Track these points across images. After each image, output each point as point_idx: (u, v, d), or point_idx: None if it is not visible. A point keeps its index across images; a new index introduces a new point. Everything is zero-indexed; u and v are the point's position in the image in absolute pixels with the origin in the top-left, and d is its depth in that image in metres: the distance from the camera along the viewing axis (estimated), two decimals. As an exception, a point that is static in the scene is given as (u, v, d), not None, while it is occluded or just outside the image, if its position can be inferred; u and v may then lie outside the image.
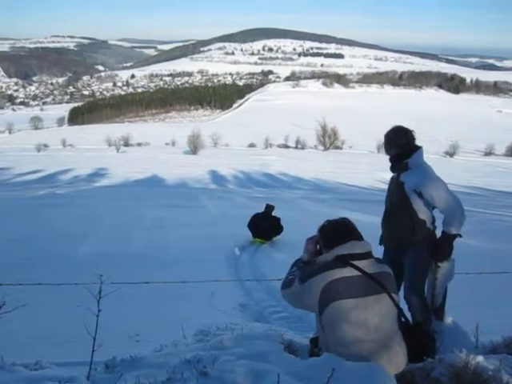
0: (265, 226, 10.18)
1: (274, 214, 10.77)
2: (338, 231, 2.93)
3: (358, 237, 2.91)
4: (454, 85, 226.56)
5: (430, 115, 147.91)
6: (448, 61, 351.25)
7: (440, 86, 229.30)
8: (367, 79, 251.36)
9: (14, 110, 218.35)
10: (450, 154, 79.61)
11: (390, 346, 2.81)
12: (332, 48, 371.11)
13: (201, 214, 15.37)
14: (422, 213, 3.81)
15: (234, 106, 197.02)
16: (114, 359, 3.04)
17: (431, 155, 59.08)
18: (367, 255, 2.86)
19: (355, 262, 2.78)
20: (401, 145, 3.88)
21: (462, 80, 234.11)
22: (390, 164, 4.01)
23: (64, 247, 9.16)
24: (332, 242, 2.90)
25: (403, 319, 3.04)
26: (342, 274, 2.75)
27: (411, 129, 4.00)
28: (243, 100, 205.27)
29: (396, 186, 3.92)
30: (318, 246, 3.08)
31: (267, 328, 3.61)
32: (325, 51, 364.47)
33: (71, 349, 3.90)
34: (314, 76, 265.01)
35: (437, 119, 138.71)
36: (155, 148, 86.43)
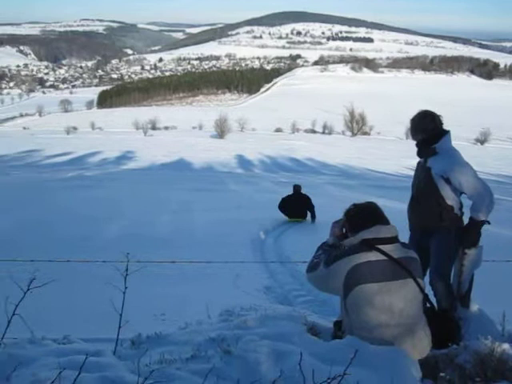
0: (297, 205, 10.67)
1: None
2: (364, 215, 2.91)
3: (384, 221, 2.89)
4: (486, 70, 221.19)
5: (461, 101, 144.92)
6: (481, 45, 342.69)
7: (472, 72, 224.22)
8: (397, 64, 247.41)
9: (44, 92, 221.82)
10: (481, 141, 77.80)
11: (414, 331, 2.80)
12: (362, 32, 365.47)
13: (227, 197, 15.43)
14: (450, 198, 3.75)
15: (262, 90, 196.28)
16: (139, 336, 3.10)
17: (461, 142, 58.02)
18: (393, 240, 2.83)
19: (381, 247, 2.76)
20: (428, 130, 3.79)
21: (496, 65, 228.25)
22: (416, 149, 3.95)
23: (92, 228, 9.33)
24: (358, 226, 2.88)
25: (428, 305, 3.02)
26: (367, 257, 2.74)
27: (439, 113, 3.91)
28: (270, 84, 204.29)
29: (423, 171, 3.86)
30: (343, 230, 3.07)
31: (291, 310, 3.63)
32: (354, 35, 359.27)
33: (98, 325, 3.99)
34: (342, 60, 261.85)
35: (468, 105, 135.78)
36: (182, 132, 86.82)
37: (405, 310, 2.74)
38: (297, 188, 11.34)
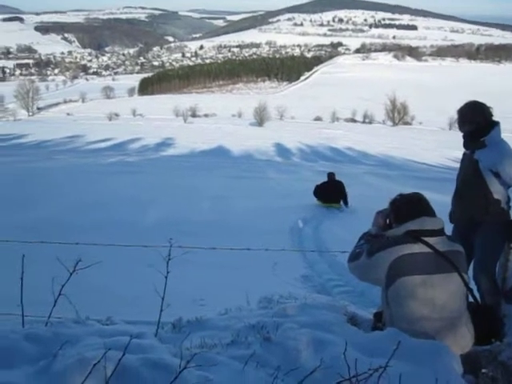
0: (332, 191, 11.23)
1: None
2: (410, 206, 2.85)
3: (430, 213, 2.83)
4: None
5: (508, 92, 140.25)
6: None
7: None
8: (441, 52, 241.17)
9: (87, 79, 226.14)
10: (529, 132, 75.35)
11: (456, 325, 2.75)
12: (405, 19, 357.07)
13: (265, 185, 15.46)
14: (497, 192, 3.64)
15: (302, 78, 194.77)
16: (180, 320, 3.14)
17: (509, 134, 56.26)
18: (439, 232, 2.77)
19: (426, 239, 2.71)
20: (476, 121, 3.67)
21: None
22: (463, 140, 3.84)
23: (134, 212, 9.53)
24: (403, 217, 2.83)
25: (472, 300, 2.95)
26: (411, 249, 2.69)
27: (488, 105, 3.78)
28: (311, 72, 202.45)
29: (470, 164, 3.75)
30: (387, 221, 3.01)
31: (330, 299, 3.62)
32: (397, 22, 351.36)
33: (139, 307, 4.08)
34: (385, 48, 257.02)
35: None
36: (222, 119, 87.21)
37: (448, 303, 2.69)
38: (331, 175, 11.87)
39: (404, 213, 2.84)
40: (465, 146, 3.83)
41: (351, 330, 2.88)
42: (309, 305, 3.18)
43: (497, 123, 3.71)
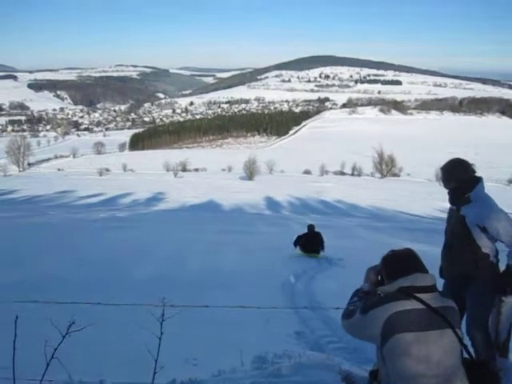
0: (312, 242, 11.94)
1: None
2: (401, 262, 2.88)
3: (422, 269, 2.85)
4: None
5: (491, 142, 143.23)
6: (511, 86, 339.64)
7: (503, 113, 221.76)
8: (426, 106, 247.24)
9: (78, 135, 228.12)
10: (514, 183, 76.64)
11: (452, 381, 2.73)
12: (389, 75, 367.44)
13: (256, 239, 15.45)
14: (486, 247, 3.70)
15: (291, 132, 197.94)
16: (173, 382, 3.11)
17: (492, 183, 57.17)
18: (431, 288, 2.79)
19: (419, 295, 2.73)
20: (461, 179, 3.76)
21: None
22: (448, 196, 3.92)
23: (124, 270, 9.45)
24: (395, 273, 2.85)
25: (467, 355, 2.95)
26: (404, 306, 2.70)
27: (471, 161, 3.89)
28: (299, 127, 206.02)
29: (457, 220, 3.81)
30: (379, 277, 3.03)
31: (324, 357, 3.58)
32: (382, 78, 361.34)
33: (132, 369, 4.01)
34: (371, 103, 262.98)
35: (499, 146, 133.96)
36: (212, 173, 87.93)
37: (443, 360, 2.68)
38: (311, 227, 12.53)
39: (396, 269, 2.86)
40: (450, 202, 3.91)
41: (347, 389, 2.86)
42: (303, 364, 3.16)
43: (480, 179, 3.80)
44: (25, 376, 3.10)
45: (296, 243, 12.07)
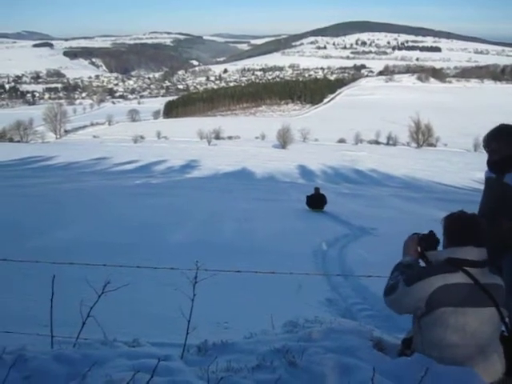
0: (317, 201, 15.19)
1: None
2: (462, 229, 2.75)
3: (479, 241, 2.74)
4: None
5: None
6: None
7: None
8: (466, 73, 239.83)
9: (113, 103, 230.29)
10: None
11: (487, 352, 2.68)
12: (429, 41, 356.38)
13: (289, 207, 15.47)
14: None
15: (325, 100, 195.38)
16: (205, 343, 3.15)
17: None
18: (481, 263, 2.70)
19: (468, 269, 2.65)
20: None
21: None
22: (489, 162, 3.76)
23: (159, 234, 9.62)
24: (452, 240, 2.76)
25: (506, 333, 2.88)
26: (451, 279, 2.63)
27: None
28: (334, 95, 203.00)
29: (497, 187, 3.69)
30: (418, 248, 2.94)
31: (356, 324, 3.57)
32: (421, 44, 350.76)
33: (165, 330, 4.11)
34: (408, 70, 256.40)
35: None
36: (245, 141, 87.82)
37: (478, 331, 2.63)
38: (317, 190, 15.74)
39: (454, 235, 2.76)
40: (495, 168, 3.74)
41: (378, 355, 2.85)
42: (334, 329, 3.16)
43: None
44: (62, 334, 3.19)
45: (307, 202, 15.19)
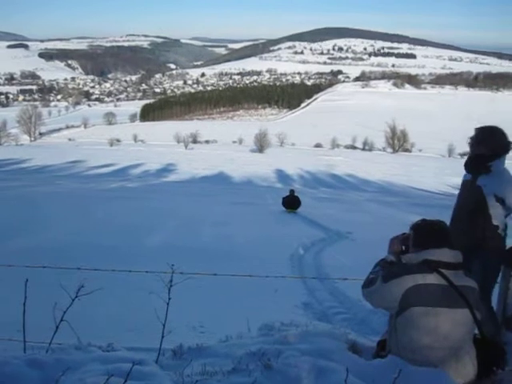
0: (293, 202, 15.90)
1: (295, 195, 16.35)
2: (433, 233, 2.82)
3: (451, 244, 2.80)
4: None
5: (506, 120, 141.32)
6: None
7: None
8: (440, 80, 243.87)
9: (89, 105, 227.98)
10: (528, 159, 76.03)
11: (459, 355, 2.73)
12: (404, 48, 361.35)
13: (266, 212, 15.49)
14: (497, 218, 3.66)
15: (302, 105, 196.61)
16: (181, 346, 3.14)
17: (508, 161, 56.45)
18: (456, 265, 2.76)
19: (443, 271, 2.70)
20: (492, 147, 3.66)
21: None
22: (466, 164, 3.85)
23: (135, 238, 9.54)
24: (424, 243, 2.81)
25: (478, 334, 2.93)
26: (426, 279, 2.67)
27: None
28: (311, 100, 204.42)
29: (471, 189, 3.76)
30: (403, 247, 3.00)
31: (331, 327, 3.59)
32: (396, 51, 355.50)
33: (140, 334, 4.07)
34: (384, 76, 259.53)
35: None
36: (222, 146, 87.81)
37: (451, 333, 2.67)
38: (292, 191, 16.48)
39: (426, 240, 2.81)
40: (470, 167, 3.82)
41: (352, 357, 2.87)
42: (310, 332, 3.17)
43: (507, 151, 3.73)
44: (35, 339, 3.14)
45: (282, 203, 15.98)
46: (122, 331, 4.27)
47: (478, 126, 3.86)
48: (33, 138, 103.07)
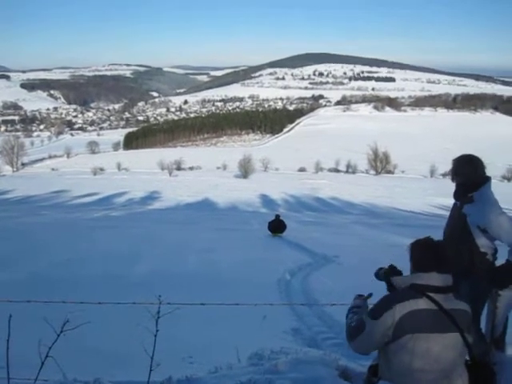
0: (278, 226, 16.06)
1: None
2: (425, 256, 2.76)
3: (443, 267, 2.74)
4: (511, 107, 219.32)
5: (485, 139, 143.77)
6: (504, 83, 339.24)
7: (496, 109, 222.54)
8: (420, 102, 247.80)
9: (72, 135, 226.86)
10: (508, 178, 77.12)
11: (450, 378, 2.71)
12: (383, 72, 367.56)
13: (251, 237, 15.46)
14: (484, 246, 3.66)
15: (285, 130, 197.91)
16: (170, 379, 3.09)
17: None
18: (445, 289, 2.72)
19: (432, 295, 2.67)
20: (469, 176, 3.70)
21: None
22: (454, 190, 3.88)
23: (121, 267, 9.43)
24: (416, 265, 2.79)
25: (468, 358, 2.90)
26: (416, 305, 2.64)
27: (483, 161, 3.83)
28: (293, 124, 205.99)
29: (458, 217, 3.78)
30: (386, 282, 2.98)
31: (321, 353, 3.56)
32: (376, 75, 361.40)
33: (128, 367, 3.99)
34: (365, 100, 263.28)
35: (493, 143, 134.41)
36: (207, 172, 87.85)
37: (442, 356, 2.65)
38: (277, 216, 16.69)
39: (417, 262, 2.78)
40: (455, 196, 3.86)
41: (343, 385, 2.85)
42: (300, 360, 3.15)
43: (487, 179, 3.74)
44: (19, 375, 3.07)
45: (268, 227, 16.16)
46: (108, 365, 4.18)
47: (457, 155, 3.91)
48: (15, 169, 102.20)
